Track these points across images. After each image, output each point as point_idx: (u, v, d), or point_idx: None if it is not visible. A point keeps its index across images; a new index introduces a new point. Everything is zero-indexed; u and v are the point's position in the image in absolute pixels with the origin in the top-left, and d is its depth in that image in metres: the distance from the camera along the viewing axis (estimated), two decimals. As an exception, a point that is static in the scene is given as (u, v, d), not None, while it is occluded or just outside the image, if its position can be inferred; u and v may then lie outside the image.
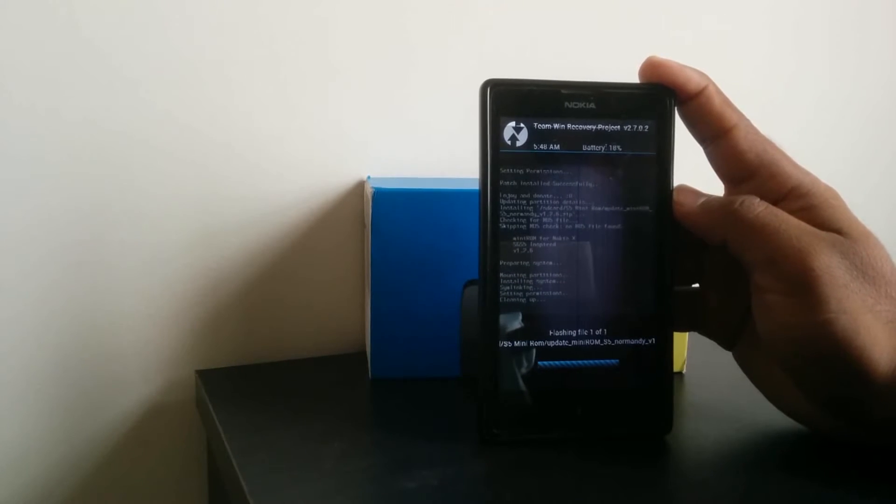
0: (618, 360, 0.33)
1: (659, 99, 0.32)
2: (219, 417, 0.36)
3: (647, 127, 0.32)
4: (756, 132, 0.32)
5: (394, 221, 0.40)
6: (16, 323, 0.41)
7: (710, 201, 0.32)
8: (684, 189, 0.33)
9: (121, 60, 0.42)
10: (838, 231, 0.30)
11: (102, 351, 0.43)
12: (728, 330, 0.34)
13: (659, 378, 0.33)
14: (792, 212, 0.31)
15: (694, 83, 0.32)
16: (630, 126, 0.32)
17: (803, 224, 0.30)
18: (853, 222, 0.30)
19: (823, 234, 0.30)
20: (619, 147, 0.32)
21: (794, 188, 0.31)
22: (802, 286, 0.29)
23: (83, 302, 0.43)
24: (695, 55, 0.35)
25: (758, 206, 0.30)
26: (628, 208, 0.32)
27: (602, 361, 0.33)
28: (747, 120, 0.32)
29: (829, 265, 0.29)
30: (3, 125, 0.40)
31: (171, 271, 0.44)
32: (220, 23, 0.44)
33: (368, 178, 0.47)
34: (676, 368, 0.42)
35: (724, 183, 0.33)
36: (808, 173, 0.32)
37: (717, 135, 0.32)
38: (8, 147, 0.40)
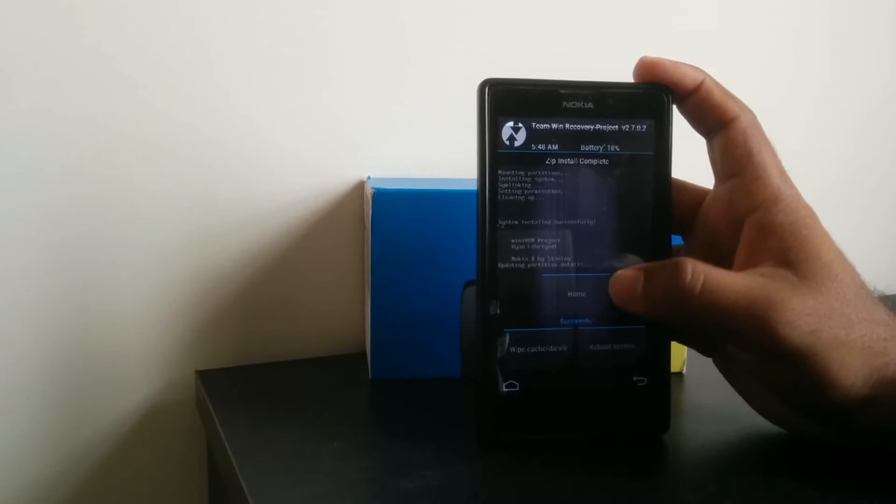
0: (616, 360, 0.33)
1: (656, 98, 0.32)
2: (219, 417, 0.36)
3: (645, 126, 0.32)
4: (756, 129, 0.31)
5: (394, 221, 0.40)
6: (15, 323, 0.41)
7: (650, 287, 0.30)
8: (620, 278, 0.31)
9: (122, 61, 0.42)
10: (803, 261, 0.29)
11: (102, 351, 0.43)
12: (710, 337, 0.34)
13: (656, 377, 0.33)
14: (766, 225, 0.30)
15: (690, 79, 0.32)
16: (628, 126, 0.32)
17: (751, 282, 0.29)
18: (820, 250, 0.29)
19: (777, 285, 0.29)
20: (617, 147, 0.32)
21: (771, 197, 0.30)
22: (771, 354, 0.29)
23: (83, 302, 0.43)
24: (695, 55, 0.34)
25: (698, 280, 0.29)
26: (626, 208, 0.32)
27: (600, 361, 0.33)
28: (752, 115, 0.32)
29: (791, 321, 0.28)
30: (4, 125, 0.40)
31: (171, 271, 0.44)
32: (219, 24, 0.44)
33: (368, 178, 0.47)
34: (676, 369, 0.42)
35: (714, 177, 0.33)
36: (792, 186, 0.31)
37: (720, 126, 0.32)
38: (8, 146, 0.40)
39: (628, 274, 0.31)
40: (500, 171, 0.31)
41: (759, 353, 0.30)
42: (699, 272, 0.29)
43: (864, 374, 0.29)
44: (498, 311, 0.32)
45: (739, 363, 0.33)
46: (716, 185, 0.33)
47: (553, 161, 0.32)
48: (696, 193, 0.34)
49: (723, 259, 0.32)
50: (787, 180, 0.31)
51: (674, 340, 0.35)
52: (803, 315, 0.28)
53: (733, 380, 0.34)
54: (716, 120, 0.32)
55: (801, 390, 0.30)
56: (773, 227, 0.30)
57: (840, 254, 0.30)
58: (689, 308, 0.29)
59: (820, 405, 0.30)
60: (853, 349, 0.28)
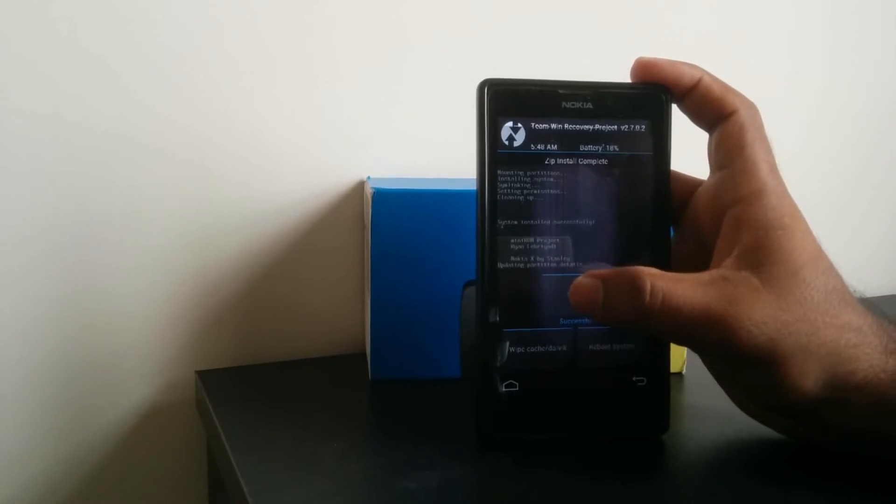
0: (616, 360, 0.33)
1: (654, 98, 0.32)
2: (219, 417, 0.36)
3: (643, 126, 0.32)
4: (753, 124, 0.31)
5: (394, 221, 0.40)
6: (16, 323, 0.42)
7: (609, 301, 0.29)
8: (580, 287, 0.30)
9: (120, 64, 0.42)
10: (770, 264, 0.29)
11: (103, 351, 0.43)
12: None
13: (656, 378, 0.33)
14: (744, 219, 0.30)
15: (688, 76, 0.32)
16: (627, 126, 0.32)
17: (710, 294, 0.28)
18: (791, 253, 0.29)
19: (737, 292, 0.28)
20: (615, 147, 0.32)
21: (755, 191, 0.30)
22: (732, 358, 0.29)
23: (83, 302, 0.43)
24: (695, 55, 0.34)
25: (657, 298, 0.28)
26: (625, 208, 0.32)
27: (600, 361, 0.33)
28: (753, 109, 0.31)
29: (749, 330, 0.28)
30: (5, 127, 0.40)
31: (171, 271, 0.44)
32: (218, 26, 0.44)
33: (368, 178, 0.47)
34: (676, 369, 0.42)
35: (710, 168, 0.33)
36: (780, 183, 0.31)
37: (719, 120, 0.31)
38: (8, 149, 0.40)
39: (587, 283, 0.30)
40: (499, 172, 0.31)
41: (720, 359, 0.31)
42: (658, 290, 0.28)
43: (824, 380, 0.28)
44: (497, 312, 0.32)
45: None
46: (708, 177, 0.33)
47: (552, 161, 0.32)
48: (689, 184, 0.34)
49: (707, 251, 0.31)
50: (777, 177, 0.31)
51: None
52: (760, 324, 0.28)
53: (714, 374, 0.34)
54: (716, 114, 0.31)
55: (765, 392, 0.30)
56: (750, 222, 0.30)
57: (815, 256, 0.29)
58: (649, 322, 0.29)
59: (785, 405, 0.30)
60: (814, 356, 0.28)
